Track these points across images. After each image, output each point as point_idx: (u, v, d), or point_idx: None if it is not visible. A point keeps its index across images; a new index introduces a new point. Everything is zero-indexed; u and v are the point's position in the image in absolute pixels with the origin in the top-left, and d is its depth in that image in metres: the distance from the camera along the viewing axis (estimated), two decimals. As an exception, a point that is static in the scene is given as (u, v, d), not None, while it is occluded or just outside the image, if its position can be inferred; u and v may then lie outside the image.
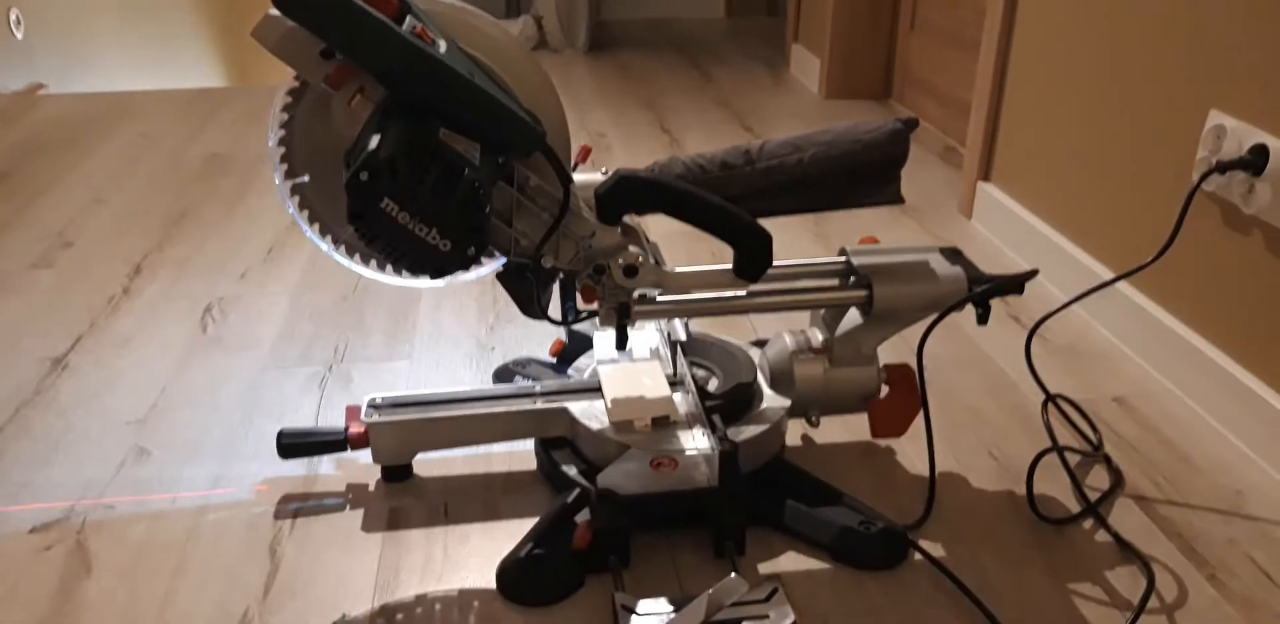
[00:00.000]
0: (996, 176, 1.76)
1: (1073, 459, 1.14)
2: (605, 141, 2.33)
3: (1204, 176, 1.17)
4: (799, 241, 1.73)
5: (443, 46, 0.91)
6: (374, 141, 0.84)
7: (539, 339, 1.41)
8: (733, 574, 0.89)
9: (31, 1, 2.88)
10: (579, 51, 3.30)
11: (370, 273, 1.05)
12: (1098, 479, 1.11)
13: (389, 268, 1.05)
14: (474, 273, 1.05)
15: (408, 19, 0.91)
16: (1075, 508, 1.06)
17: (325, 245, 1.04)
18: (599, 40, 3.44)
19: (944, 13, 2.32)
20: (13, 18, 2.77)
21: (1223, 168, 1.15)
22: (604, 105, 2.63)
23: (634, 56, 3.23)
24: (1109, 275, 1.36)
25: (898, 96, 2.60)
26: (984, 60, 1.75)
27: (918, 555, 0.99)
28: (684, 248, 1.71)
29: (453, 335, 1.43)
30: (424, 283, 1.07)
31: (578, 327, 1.27)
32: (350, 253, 1.04)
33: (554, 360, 1.27)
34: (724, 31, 3.65)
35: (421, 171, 0.84)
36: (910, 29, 2.50)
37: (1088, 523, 1.04)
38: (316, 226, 1.03)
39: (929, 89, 2.41)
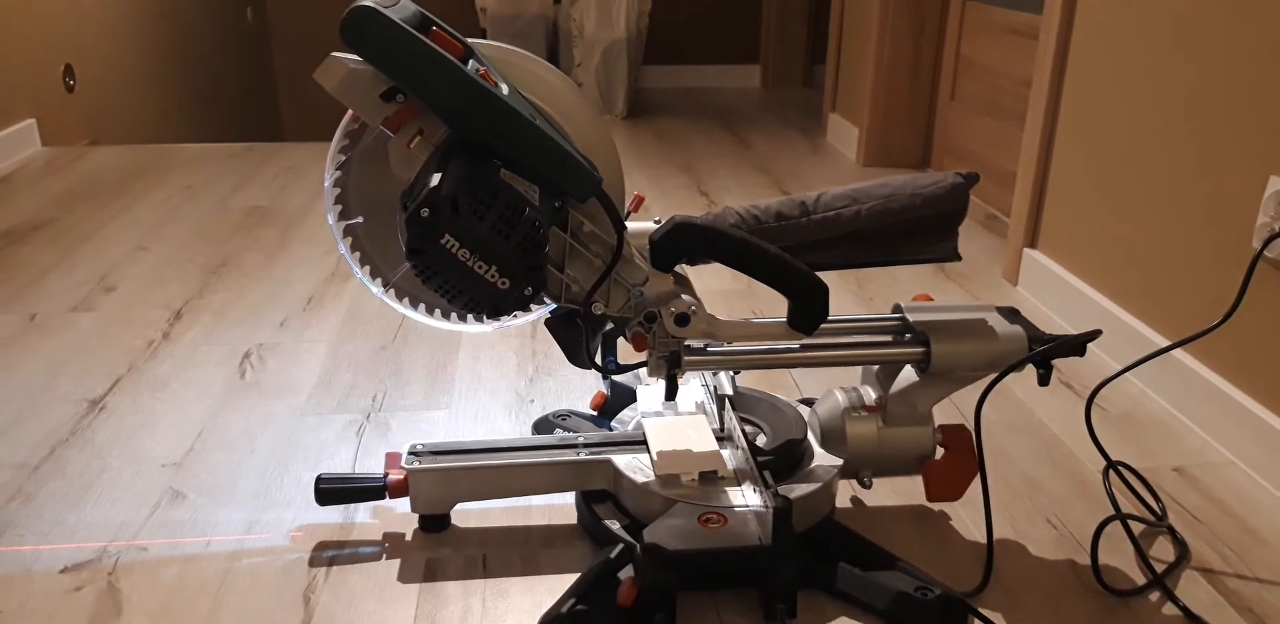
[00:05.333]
0: (1043, 243, 1.75)
1: (1135, 529, 1.10)
2: (643, 204, 2.33)
3: (1267, 242, 1.15)
4: (840, 301, 1.71)
5: (505, 89, 0.91)
6: (435, 179, 0.84)
7: (579, 392, 1.38)
8: (786, 636, 0.85)
9: (84, 57, 2.95)
10: (617, 118, 3.34)
11: (419, 316, 1.04)
12: (1161, 550, 1.07)
13: (437, 311, 1.04)
14: (523, 318, 1.04)
15: (470, 62, 0.91)
16: (1139, 579, 1.02)
17: (375, 288, 1.03)
18: (637, 107, 3.49)
19: (985, 83, 2.33)
20: (65, 71, 2.83)
21: (1286, 232, 1.13)
22: (642, 169, 2.65)
23: (671, 123, 3.27)
24: (1163, 342, 1.34)
25: (936, 165, 2.60)
26: (1030, 129, 1.75)
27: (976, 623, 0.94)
28: (725, 306, 1.69)
29: (492, 386, 1.41)
30: (471, 327, 1.05)
31: (620, 379, 1.25)
32: (400, 296, 1.04)
33: (595, 413, 1.25)
34: (760, 101, 3.69)
35: (483, 209, 0.84)
36: (950, 99, 2.51)
37: (1154, 595, 1.00)
38: (367, 269, 1.02)
39: (968, 158, 2.42)
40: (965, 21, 2.43)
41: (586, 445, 1.08)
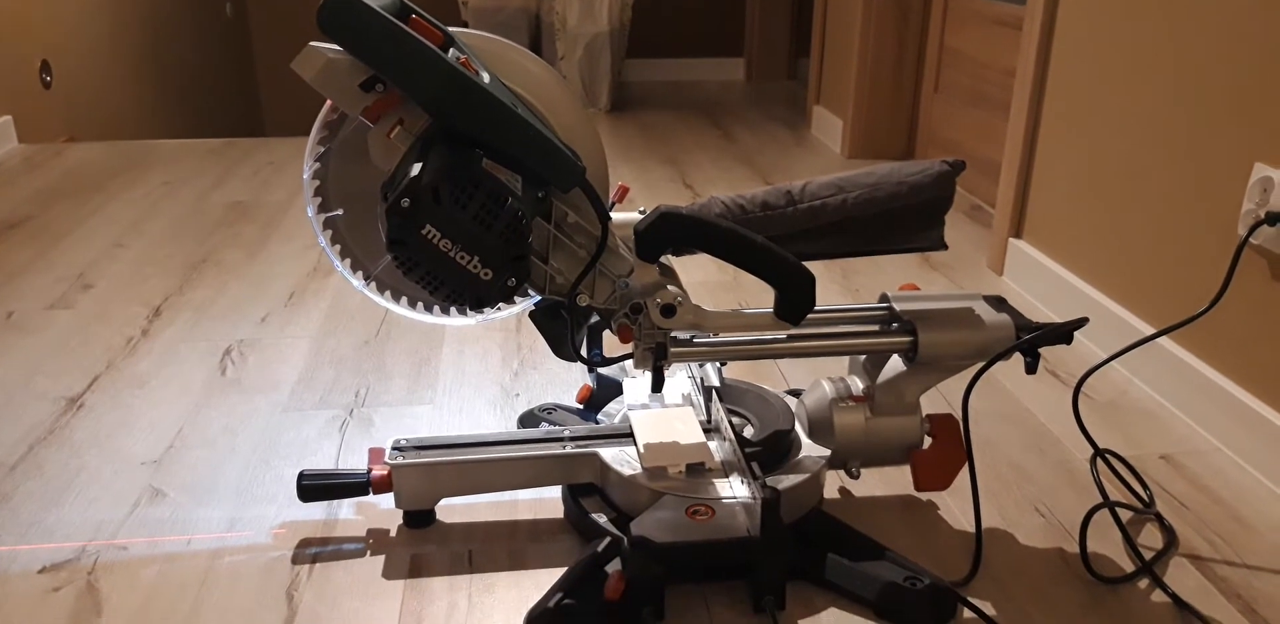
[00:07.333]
0: (1028, 233, 1.74)
1: (1123, 516, 1.09)
2: (628, 195, 2.32)
3: (1253, 229, 1.15)
4: (826, 292, 1.71)
5: (486, 78, 0.90)
6: (416, 169, 0.83)
7: (564, 385, 1.37)
8: (775, 628, 0.85)
9: (61, 52, 2.92)
10: (601, 111, 3.33)
11: (401, 310, 1.03)
12: (1149, 538, 1.07)
13: (420, 305, 1.03)
14: (507, 310, 1.03)
15: (451, 50, 0.90)
16: (1127, 566, 1.02)
17: (357, 281, 1.02)
18: (620, 101, 3.47)
19: (969, 74, 2.33)
20: (42, 67, 2.80)
21: (1272, 220, 1.13)
22: (627, 162, 2.64)
23: (655, 116, 3.25)
24: (1149, 331, 1.33)
25: (921, 156, 2.60)
26: (1015, 118, 1.75)
27: (966, 613, 0.94)
28: (711, 297, 1.69)
29: (476, 381, 1.39)
30: (454, 320, 1.04)
31: (606, 371, 1.24)
32: (382, 289, 1.02)
33: (581, 406, 1.24)
34: (744, 94, 3.68)
35: (465, 199, 0.82)
36: (934, 90, 2.51)
37: (1143, 582, 0.99)
38: (348, 262, 1.01)
39: (953, 148, 2.41)
40: (949, 12, 2.43)
41: (572, 439, 1.07)
